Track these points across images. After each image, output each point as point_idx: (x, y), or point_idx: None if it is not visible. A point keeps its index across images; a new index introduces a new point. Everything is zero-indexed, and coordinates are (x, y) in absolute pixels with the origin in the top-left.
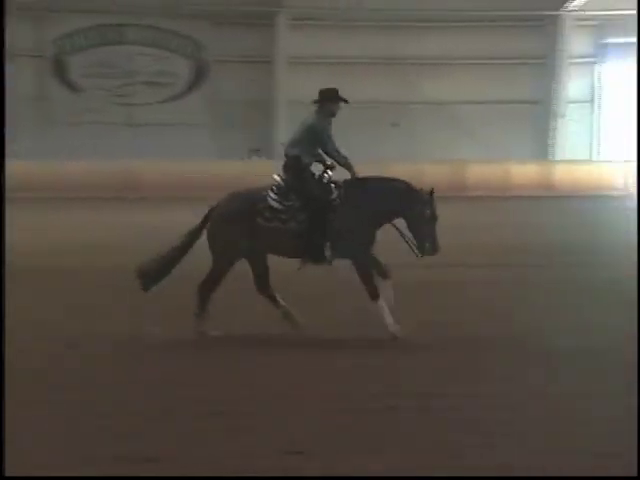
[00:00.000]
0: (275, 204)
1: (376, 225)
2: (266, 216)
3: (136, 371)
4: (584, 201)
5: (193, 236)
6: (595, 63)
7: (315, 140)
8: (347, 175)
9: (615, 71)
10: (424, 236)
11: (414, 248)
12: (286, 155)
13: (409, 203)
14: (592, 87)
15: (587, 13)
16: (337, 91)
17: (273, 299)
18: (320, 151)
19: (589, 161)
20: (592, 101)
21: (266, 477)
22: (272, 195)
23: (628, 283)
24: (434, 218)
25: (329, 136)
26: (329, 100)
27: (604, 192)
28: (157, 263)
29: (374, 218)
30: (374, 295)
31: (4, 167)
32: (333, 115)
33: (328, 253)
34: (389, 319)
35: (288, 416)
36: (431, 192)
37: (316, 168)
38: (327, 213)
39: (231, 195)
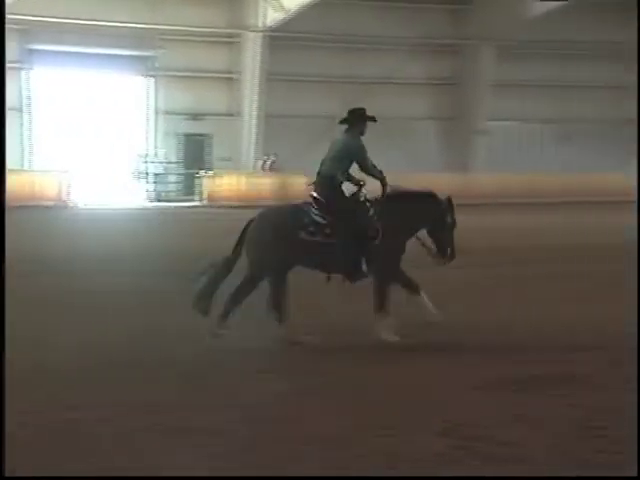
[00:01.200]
0: (319, 219)
1: (408, 239)
2: (310, 230)
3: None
4: (19, 211)
5: (236, 253)
6: (23, 69)
7: (353, 158)
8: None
9: (44, 78)
10: (446, 243)
11: (435, 255)
12: (319, 174)
13: (440, 213)
14: (21, 94)
15: (13, 17)
16: (365, 110)
17: (282, 310)
18: (351, 168)
19: (22, 170)
20: (22, 109)
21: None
22: (314, 210)
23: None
24: (454, 225)
25: (367, 154)
26: (360, 120)
27: (38, 202)
28: (205, 286)
29: (409, 232)
30: (379, 307)
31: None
32: (363, 134)
33: (365, 269)
34: (385, 334)
35: None
36: (449, 200)
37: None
38: (365, 230)
39: (271, 210)
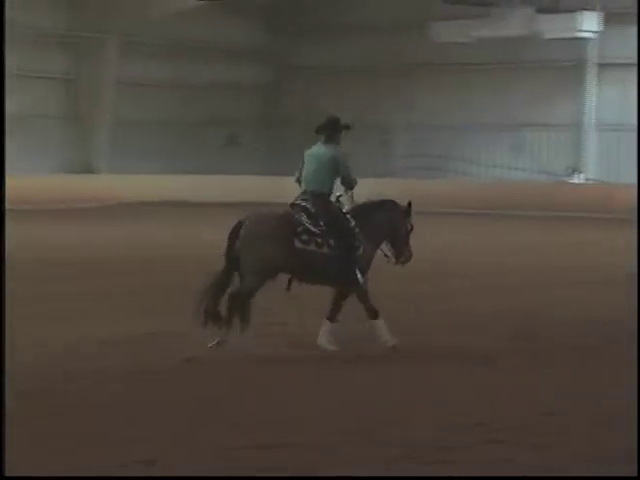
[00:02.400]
0: (312, 228)
1: (379, 246)
2: (303, 239)
3: None
4: None
5: (232, 260)
6: None
7: (337, 169)
8: None
9: None
10: (405, 246)
11: (392, 257)
12: (308, 189)
13: (404, 220)
14: None
15: None
16: (340, 120)
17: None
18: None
19: None
20: None
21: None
22: (305, 219)
23: None
24: (412, 228)
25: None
26: (337, 130)
27: None
28: (210, 295)
29: (380, 241)
30: (374, 314)
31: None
32: (338, 143)
33: (361, 279)
34: (387, 335)
35: None
36: (409, 204)
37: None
38: (353, 240)
39: (262, 215)
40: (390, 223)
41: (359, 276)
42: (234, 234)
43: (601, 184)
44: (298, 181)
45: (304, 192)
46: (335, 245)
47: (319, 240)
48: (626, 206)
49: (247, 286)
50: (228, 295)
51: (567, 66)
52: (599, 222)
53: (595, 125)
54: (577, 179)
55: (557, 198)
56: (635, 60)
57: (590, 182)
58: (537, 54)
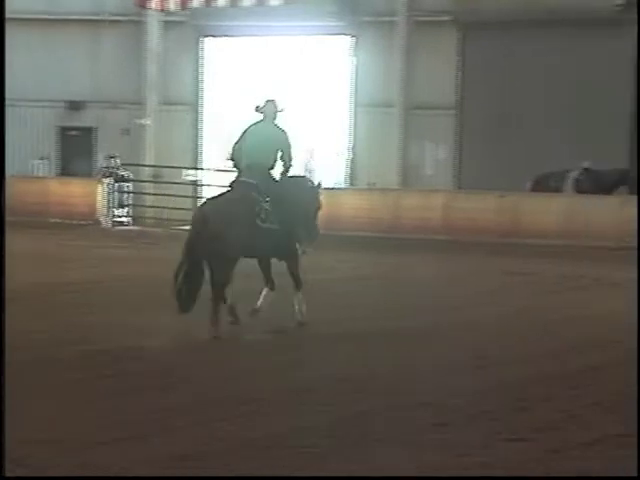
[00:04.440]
0: (267, 206)
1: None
2: (262, 217)
3: None
4: None
5: (200, 248)
6: None
7: (282, 148)
8: None
9: None
10: (315, 225)
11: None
12: (251, 163)
13: (318, 197)
14: None
15: None
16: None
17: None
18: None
19: None
20: None
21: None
22: (259, 197)
23: None
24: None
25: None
26: (274, 109)
27: None
28: (187, 283)
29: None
30: (300, 285)
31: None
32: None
33: (302, 249)
34: (303, 309)
35: None
36: (319, 184)
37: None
38: (296, 215)
39: (223, 199)
40: (314, 200)
41: (298, 248)
42: (200, 222)
43: None
44: (232, 159)
45: (248, 167)
46: (282, 220)
47: (272, 217)
48: None
49: (226, 273)
50: (212, 290)
51: None
52: None
53: None
54: None
55: None
56: None
57: None
58: None
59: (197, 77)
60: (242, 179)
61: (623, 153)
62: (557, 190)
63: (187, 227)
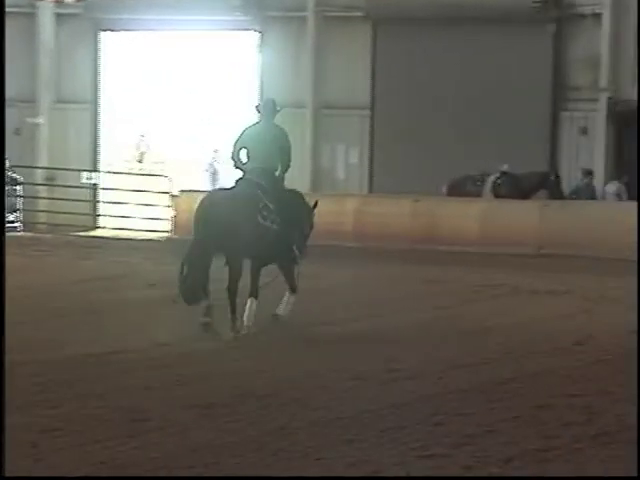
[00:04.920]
0: (270, 204)
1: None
2: (264, 215)
3: None
4: None
5: (209, 241)
6: None
7: (282, 144)
8: None
9: None
10: (305, 242)
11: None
12: (255, 165)
13: (312, 217)
14: None
15: None
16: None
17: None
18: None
19: None
20: None
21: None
22: (263, 196)
23: None
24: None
25: None
26: (274, 109)
27: None
28: (194, 279)
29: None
30: (295, 289)
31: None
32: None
33: (296, 255)
34: (283, 308)
35: None
36: (316, 202)
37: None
38: (295, 223)
39: (224, 194)
40: (308, 217)
41: (297, 253)
42: (206, 215)
43: None
44: (233, 158)
45: (253, 168)
46: (281, 221)
47: (272, 216)
48: None
49: (237, 269)
50: (227, 290)
51: None
52: None
53: None
54: None
55: None
56: None
57: None
58: None
59: (94, 74)
60: (247, 177)
61: (543, 156)
62: (475, 194)
63: (82, 233)
